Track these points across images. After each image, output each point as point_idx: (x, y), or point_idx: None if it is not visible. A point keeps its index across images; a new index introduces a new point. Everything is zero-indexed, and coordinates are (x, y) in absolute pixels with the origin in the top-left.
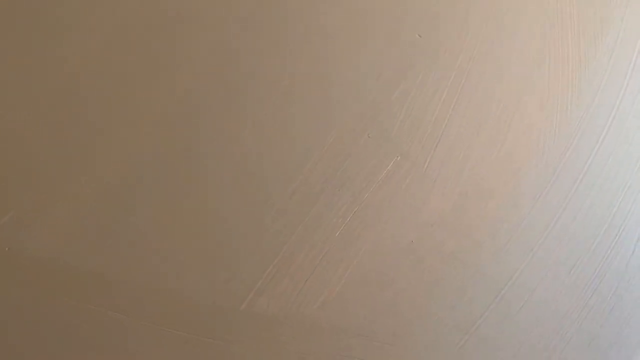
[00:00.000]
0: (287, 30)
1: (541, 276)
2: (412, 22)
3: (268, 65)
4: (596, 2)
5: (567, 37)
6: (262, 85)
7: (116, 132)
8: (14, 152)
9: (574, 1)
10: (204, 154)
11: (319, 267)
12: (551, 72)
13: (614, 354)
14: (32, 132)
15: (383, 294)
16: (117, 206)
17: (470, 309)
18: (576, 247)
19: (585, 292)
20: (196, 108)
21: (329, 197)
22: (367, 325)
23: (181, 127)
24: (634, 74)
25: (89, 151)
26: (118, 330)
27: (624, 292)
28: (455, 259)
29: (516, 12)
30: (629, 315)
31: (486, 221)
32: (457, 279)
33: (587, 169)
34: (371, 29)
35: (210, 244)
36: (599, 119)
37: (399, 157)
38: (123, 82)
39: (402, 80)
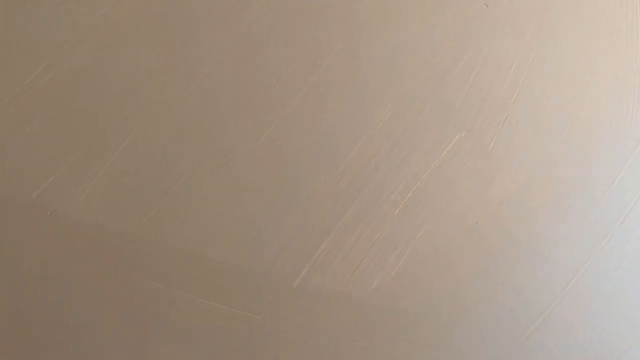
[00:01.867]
0: None
1: (615, 265)
2: None
3: (317, 31)
4: None
5: None
6: (312, 53)
7: (152, 101)
8: (55, 119)
9: None
10: (250, 123)
11: (375, 247)
12: (629, 41)
13: None
14: (73, 102)
15: (443, 278)
16: (158, 172)
17: (537, 298)
18: None
19: None
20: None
21: (386, 173)
22: (425, 311)
23: (224, 96)
24: None
25: (127, 119)
26: (158, 301)
27: None
28: (521, 244)
29: None
30: None
31: (556, 204)
32: (524, 264)
33: None
34: None
35: (259, 213)
36: None
37: (463, 134)
38: (152, 58)
39: (466, 51)
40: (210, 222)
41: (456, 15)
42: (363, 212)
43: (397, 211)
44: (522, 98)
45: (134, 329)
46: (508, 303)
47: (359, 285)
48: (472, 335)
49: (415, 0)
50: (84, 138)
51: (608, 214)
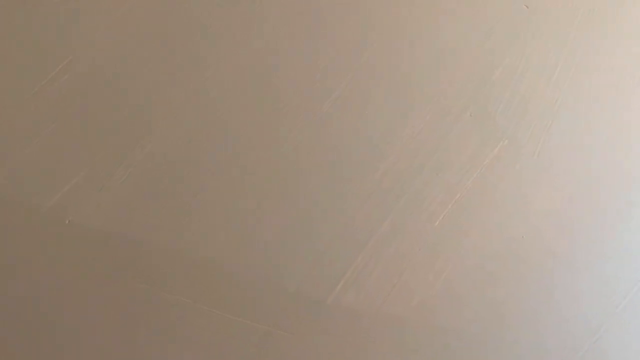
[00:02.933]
0: None
1: None
2: None
3: (357, 30)
4: None
5: None
6: (350, 51)
7: (171, 107)
8: (74, 125)
9: None
10: (279, 125)
11: (415, 260)
12: None
13: None
14: (93, 110)
15: (488, 293)
16: (180, 182)
17: (588, 317)
18: None
19: None
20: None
21: (424, 182)
22: (469, 328)
23: (253, 103)
24: None
25: (144, 127)
26: (183, 317)
27: None
28: (569, 259)
29: None
30: None
31: (606, 217)
32: (572, 281)
33: None
34: None
35: (289, 225)
36: None
37: (506, 142)
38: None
39: (506, 54)
40: (236, 235)
41: (495, 16)
42: (401, 223)
43: (437, 222)
44: (567, 103)
45: (150, 340)
46: (555, 323)
47: (398, 303)
48: (516, 354)
49: (454, 2)
50: (100, 145)
51: None
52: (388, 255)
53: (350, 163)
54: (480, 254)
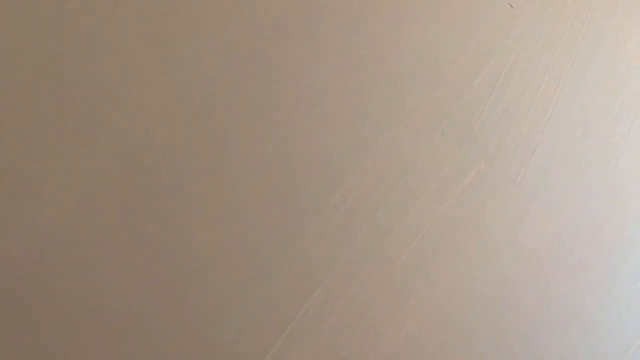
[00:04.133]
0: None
1: None
2: None
3: (318, 36)
4: None
5: None
6: (310, 59)
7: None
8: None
9: None
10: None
11: (375, 305)
12: None
13: None
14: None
15: (469, 341)
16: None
17: None
18: None
19: None
20: (200, 109)
21: (389, 210)
22: None
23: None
24: None
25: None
26: None
27: None
28: (561, 302)
29: None
30: None
31: (600, 255)
32: (565, 328)
33: None
34: None
35: (222, 272)
36: None
37: (484, 165)
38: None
39: (487, 60)
40: (164, 281)
41: (474, 16)
42: (360, 261)
43: (399, 263)
44: (557, 118)
45: None
46: None
47: (355, 358)
48: None
49: (427, 1)
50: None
51: None
52: (342, 302)
53: (297, 192)
54: (452, 301)
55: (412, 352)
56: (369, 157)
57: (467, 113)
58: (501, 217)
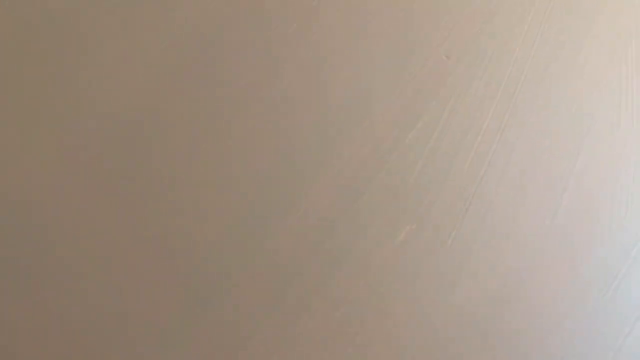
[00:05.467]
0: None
1: None
2: (437, 39)
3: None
4: None
5: None
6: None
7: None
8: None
9: None
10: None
11: None
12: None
13: None
14: None
15: None
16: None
17: None
18: None
19: None
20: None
21: (308, 280)
22: None
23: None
24: None
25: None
26: None
27: None
28: None
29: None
30: None
31: (541, 319)
32: None
33: None
34: (379, 43)
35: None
36: None
37: (415, 225)
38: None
39: (421, 115)
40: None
41: (407, 66)
42: (278, 330)
43: (319, 337)
44: (493, 174)
45: None
46: None
47: None
48: None
49: (356, 49)
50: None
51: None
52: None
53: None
54: None
55: None
56: (294, 218)
57: (398, 171)
58: (431, 281)
